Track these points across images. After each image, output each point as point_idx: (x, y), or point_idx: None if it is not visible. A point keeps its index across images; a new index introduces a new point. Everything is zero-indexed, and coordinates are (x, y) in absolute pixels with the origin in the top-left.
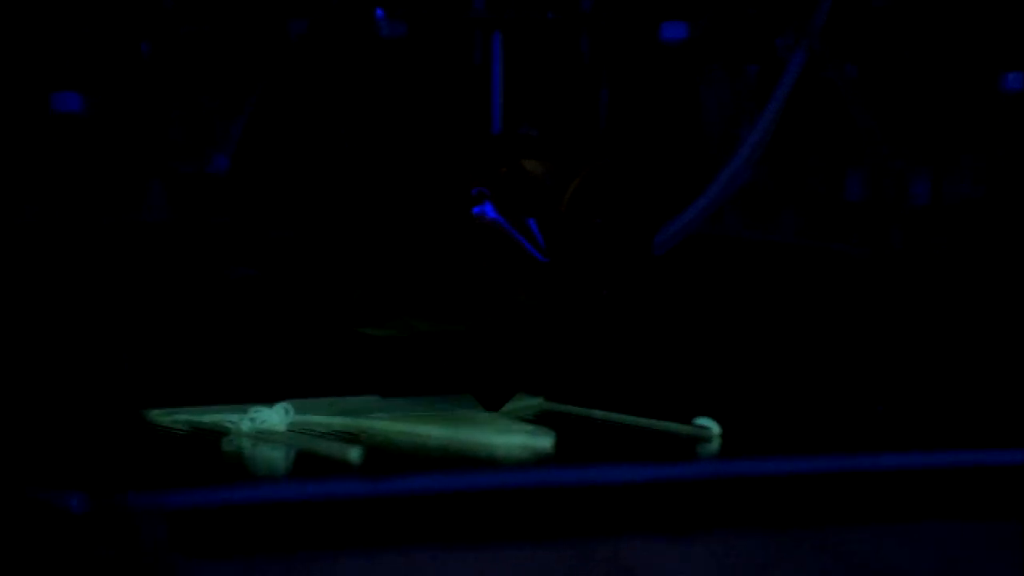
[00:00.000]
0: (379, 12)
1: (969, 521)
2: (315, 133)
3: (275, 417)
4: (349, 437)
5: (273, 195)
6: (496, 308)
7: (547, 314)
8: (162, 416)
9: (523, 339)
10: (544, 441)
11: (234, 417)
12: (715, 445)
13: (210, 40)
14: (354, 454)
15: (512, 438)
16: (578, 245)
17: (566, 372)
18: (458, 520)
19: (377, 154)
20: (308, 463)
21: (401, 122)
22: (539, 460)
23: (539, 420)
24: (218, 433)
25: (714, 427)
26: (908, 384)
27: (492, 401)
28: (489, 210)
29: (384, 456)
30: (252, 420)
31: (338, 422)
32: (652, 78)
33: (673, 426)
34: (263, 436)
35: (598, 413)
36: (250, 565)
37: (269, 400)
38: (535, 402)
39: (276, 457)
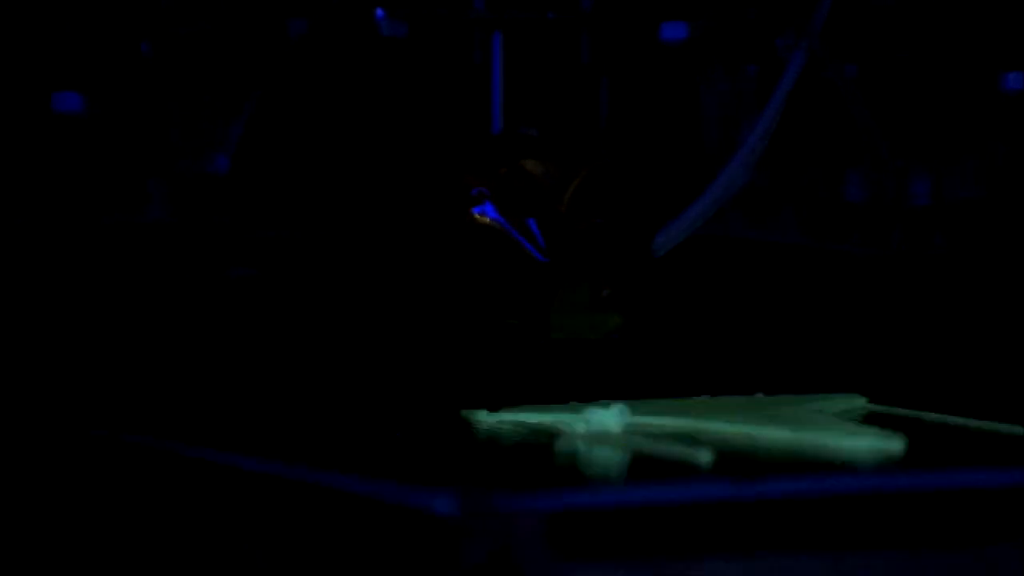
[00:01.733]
0: (379, 12)
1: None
2: (315, 133)
3: (611, 419)
4: (689, 440)
5: (273, 195)
6: (497, 308)
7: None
8: (487, 418)
9: (525, 338)
10: (895, 444)
11: (566, 418)
12: None
13: (210, 40)
14: (704, 457)
15: (862, 440)
16: (578, 245)
17: (884, 370)
18: (818, 525)
19: (377, 154)
20: (656, 466)
21: (401, 122)
22: (893, 464)
23: (868, 422)
24: (550, 435)
25: None
26: (908, 384)
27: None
28: (489, 210)
29: (734, 459)
30: (587, 422)
31: (673, 424)
32: (652, 78)
33: (1009, 428)
34: (600, 438)
35: (931, 416)
36: (620, 567)
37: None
38: (859, 403)
39: (618, 460)
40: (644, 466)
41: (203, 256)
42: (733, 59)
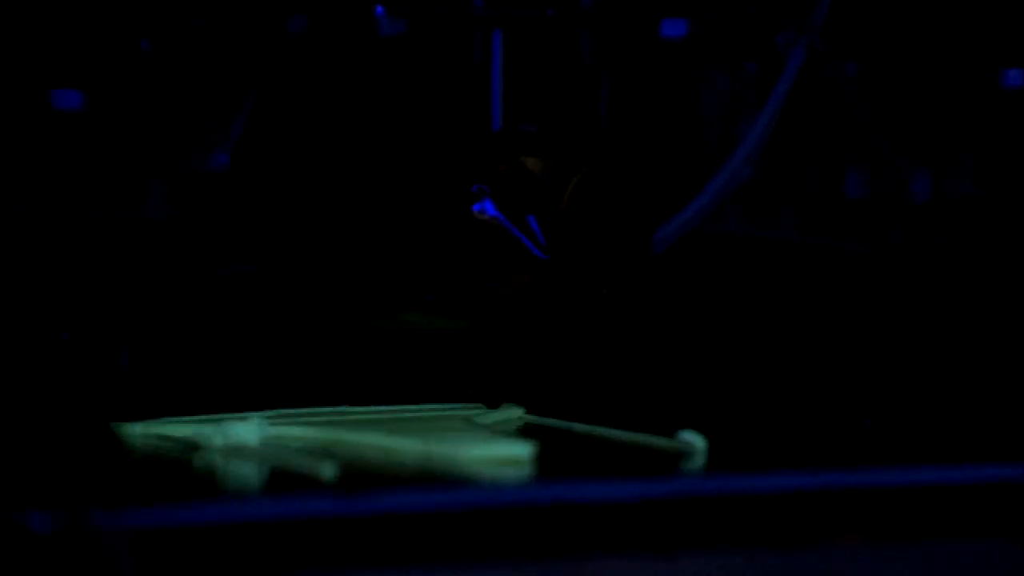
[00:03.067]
0: (379, 9)
1: (964, 539)
2: (315, 130)
3: (249, 431)
4: (323, 451)
5: (273, 192)
6: (497, 305)
7: (547, 312)
8: (134, 429)
9: (523, 337)
10: (522, 452)
11: (207, 431)
12: (699, 461)
13: (210, 37)
14: (327, 470)
15: (489, 450)
16: (578, 242)
17: (548, 383)
18: (433, 540)
19: (377, 151)
20: (282, 479)
21: (401, 119)
22: (517, 475)
23: (520, 433)
24: (191, 447)
25: (698, 442)
26: (908, 383)
27: (492, 397)
28: (489, 207)
29: (358, 472)
30: (225, 434)
31: (313, 435)
32: (652, 75)
33: (656, 440)
34: (236, 451)
35: (579, 427)
36: None
37: (262, 403)
38: (516, 414)
39: (248, 473)
40: (270, 481)
41: (202, 253)
42: (733, 56)
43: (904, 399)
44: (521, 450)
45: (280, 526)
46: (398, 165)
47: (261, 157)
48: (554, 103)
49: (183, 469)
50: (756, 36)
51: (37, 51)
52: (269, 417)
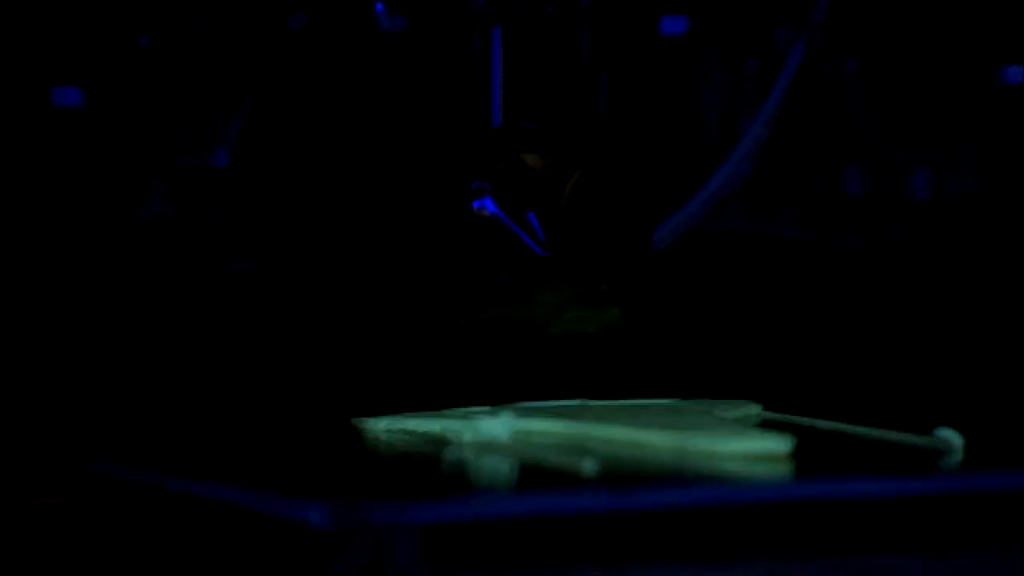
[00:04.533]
0: (379, 6)
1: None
2: (315, 127)
3: (499, 426)
4: (576, 447)
5: (273, 189)
6: (497, 301)
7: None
8: (378, 424)
9: (524, 331)
10: (782, 446)
11: (455, 426)
12: (957, 458)
13: (210, 35)
14: (588, 466)
15: (749, 443)
16: (578, 239)
17: (776, 379)
18: (699, 536)
19: (377, 148)
20: (540, 476)
21: (401, 116)
22: (779, 469)
23: (762, 427)
24: (439, 443)
25: (957, 440)
26: (908, 379)
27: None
28: (489, 204)
29: (617, 468)
30: (476, 430)
31: (561, 430)
32: (652, 72)
33: (909, 437)
34: (488, 447)
35: (823, 423)
36: None
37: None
38: (755, 410)
39: (505, 469)
40: (528, 476)
41: (202, 250)
42: (733, 53)
43: (905, 396)
44: (781, 444)
45: (547, 522)
46: (398, 162)
47: (261, 154)
48: (554, 100)
49: (435, 465)
50: (756, 33)
51: (38, 48)
52: (513, 411)
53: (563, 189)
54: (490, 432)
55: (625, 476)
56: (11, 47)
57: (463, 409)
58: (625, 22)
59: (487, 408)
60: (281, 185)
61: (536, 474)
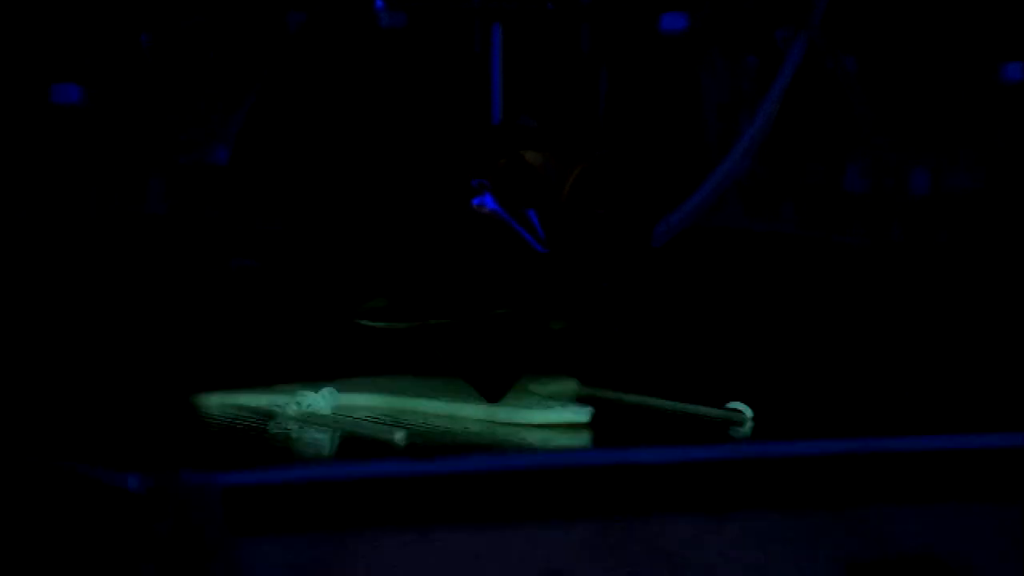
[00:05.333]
0: (379, 3)
1: (989, 502)
2: (314, 124)
3: (321, 400)
4: (392, 420)
5: (273, 187)
6: (495, 299)
7: (546, 304)
8: (210, 399)
9: (521, 330)
10: (582, 415)
11: (281, 400)
12: (747, 428)
13: (210, 32)
14: (399, 436)
15: (551, 414)
16: (578, 236)
17: (598, 357)
18: (498, 500)
19: (377, 145)
20: (354, 445)
21: (401, 113)
22: (577, 438)
23: (578, 401)
24: (265, 416)
25: (747, 410)
26: (908, 376)
27: (491, 392)
28: (489, 201)
29: (427, 438)
30: (299, 404)
31: (380, 404)
32: (652, 69)
33: (705, 410)
34: (310, 419)
35: (632, 397)
36: (300, 542)
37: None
38: (571, 385)
39: (323, 439)
40: (342, 446)
41: (203, 248)
42: (733, 50)
43: (905, 393)
44: (581, 414)
45: (355, 486)
46: (398, 159)
47: (261, 152)
48: (554, 97)
49: (259, 436)
50: (755, 30)
51: (37, 45)
52: (336, 386)
53: (563, 186)
54: (313, 405)
55: (433, 445)
56: (10, 44)
57: (293, 385)
58: (625, 19)
59: (314, 384)
60: (281, 183)
61: (350, 444)
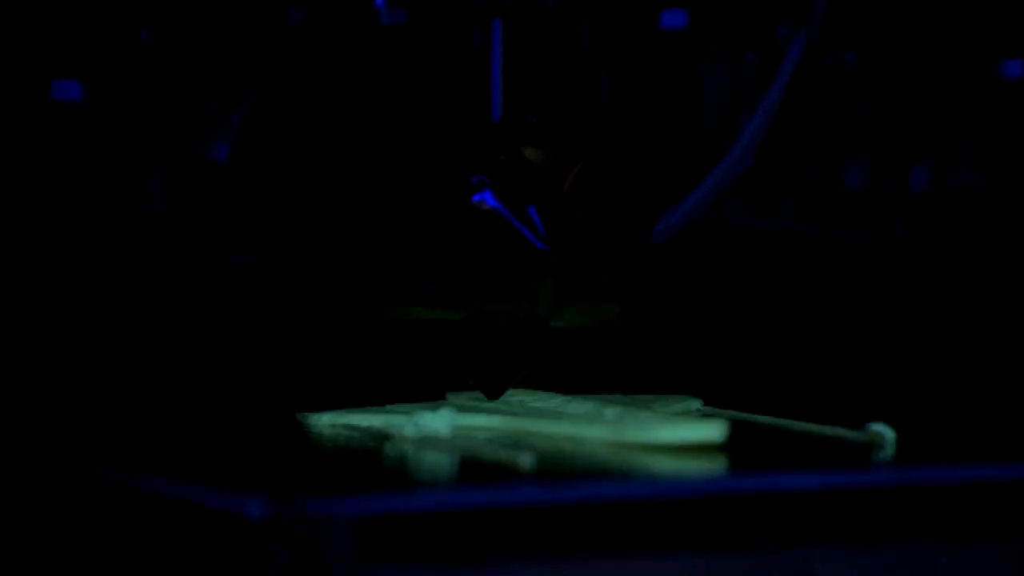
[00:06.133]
0: (378, 0)
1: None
2: (315, 121)
3: (439, 421)
4: (515, 442)
5: (273, 184)
6: (497, 296)
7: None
8: (322, 419)
9: (524, 327)
10: (716, 432)
11: (397, 421)
12: (890, 451)
13: (210, 28)
14: (525, 460)
15: (681, 432)
16: (578, 233)
17: (715, 374)
18: (634, 528)
19: (376, 142)
20: (478, 470)
21: (400, 110)
22: (711, 464)
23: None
24: (381, 438)
25: (889, 434)
26: (908, 375)
27: (492, 389)
28: (489, 198)
29: (555, 462)
30: (417, 425)
31: (500, 425)
32: (652, 66)
33: (843, 432)
34: (427, 441)
35: (762, 418)
36: (430, 571)
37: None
38: (694, 404)
39: (444, 463)
40: (465, 470)
41: (202, 245)
42: (733, 47)
43: (905, 391)
44: (714, 432)
45: (484, 515)
46: (398, 156)
47: (261, 149)
48: (554, 94)
49: (377, 459)
50: (755, 27)
51: (36, 41)
52: (454, 407)
53: (563, 183)
54: (430, 427)
55: (560, 470)
56: (9, 40)
57: (406, 405)
58: (625, 16)
59: (429, 404)
60: (281, 180)
61: (473, 468)
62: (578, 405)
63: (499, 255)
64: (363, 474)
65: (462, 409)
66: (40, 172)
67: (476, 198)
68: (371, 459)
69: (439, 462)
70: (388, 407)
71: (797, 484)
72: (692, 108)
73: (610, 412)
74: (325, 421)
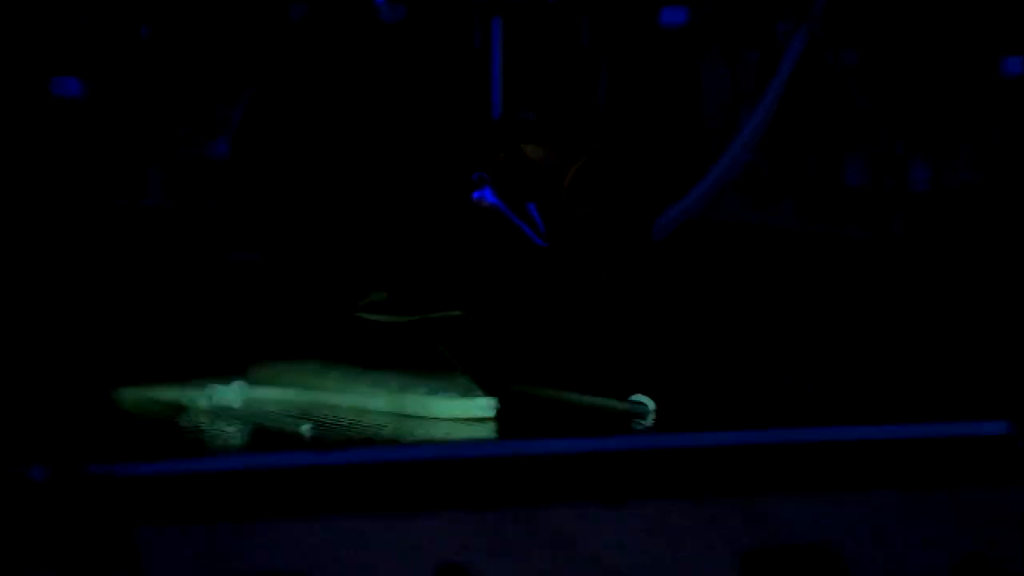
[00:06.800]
0: None
1: (898, 490)
2: (315, 118)
3: (231, 394)
4: (301, 412)
5: (273, 180)
6: (495, 292)
7: (545, 298)
8: (124, 393)
9: (520, 323)
10: (487, 408)
11: (192, 394)
12: (649, 420)
13: (211, 25)
14: (305, 428)
15: (456, 406)
16: (578, 229)
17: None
18: (397, 491)
19: (377, 139)
20: (262, 437)
21: (401, 107)
22: (480, 430)
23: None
24: (177, 409)
25: (649, 403)
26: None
27: (492, 385)
28: (489, 195)
29: (333, 430)
30: (209, 397)
31: (291, 397)
32: (652, 63)
33: (610, 402)
34: (220, 412)
35: (540, 391)
36: (201, 531)
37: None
38: (464, 379)
39: (231, 432)
40: (256, 437)
41: (203, 240)
42: (733, 44)
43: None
44: (486, 407)
45: (258, 476)
46: (398, 153)
47: (261, 145)
48: (554, 91)
49: (170, 429)
50: (756, 24)
51: (37, 38)
52: (249, 380)
53: (563, 180)
54: (224, 399)
55: (338, 438)
56: (11, 37)
57: (205, 379)
58: (625, 13)
59: (226, 378)
60: (281, 176)
61: (259, 436)
62: (367, 378)
63: (499, 251)
64: (151, 442)
65: (257, 382)
66: (41, 168)
67: (476, 195)
68: (164, 429)
69: (225, 431)
70: (189, 381)
71: (549, 448)
72: (692, 105)
73: (392, 384)
74: (129, 394)
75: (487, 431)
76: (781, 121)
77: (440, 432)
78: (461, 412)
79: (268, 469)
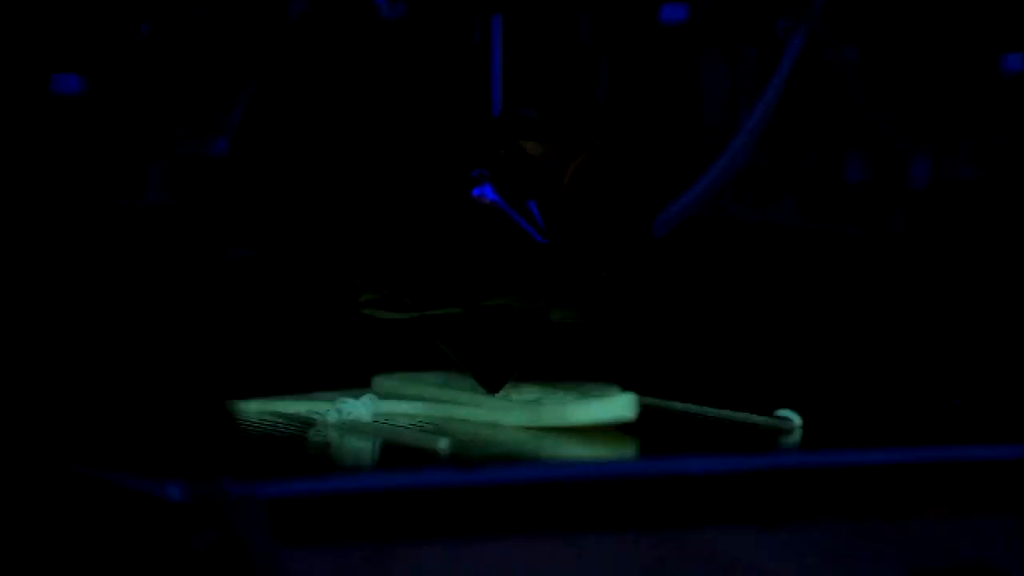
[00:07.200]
0: None
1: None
2: (315, 115)
3: (361, 407)
4: (435, 427)
5: (273, 179)
6: (495, 289)
7: (548, 296)
8: (247, 406)
9: (524, 321)
10: (628, 409)
11: (320, 407)
12: (796, 436)
13: (209, 21)
14: (443, 444)
15: (595, 409)
16: (578, 227)
17: (638, 363)
18: (546, 510)
19: (376, 137)
20: (397, 454)
21: (400, 104)
22: (624, 448)
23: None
24: (305, 424)
25: (795, 419)
26: (908, 367)
27: (492, 382)
28: (488, 192)
29: (471, 446)
30: (339, 411)
31: (421, 412)
32: (652, 59)
33: (754, 418)
34: (350, 427)
35: (678, 405)
36: (343, 553)
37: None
38: (613, 390)
39: (364, 447)
40: (384, 455)
41: (202, 239)
42: (733, 41)
43: (905, 384)
44: (626, 408)
45: (399, 496)
46: (398, 150)
47: (261, 143)
48: (554, 87)
49: (299, 444)
50: (756, 21)
51: (36, 34)
52: (376, 393)
53: (563, 177)
54: (353, 413)
55: (476, 454)
56: (9, 33)
57: (332, 392)
58: (625, 9)
59: (353, 391)
60: (281, 174)
61: (391, 453)
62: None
63: (499, 248)
64: (282, 458)
65: (385, 396)
66: (38, 166)
67: (476, 192)
68: (291, 444)
69: (358, 447)
70: (313, 394)
71: (702, 467)
72: (692, 102)
73: (526, 396)
74: (252, 407)
75: (629, 449)
76: (781, 118)
77: (581, 446)
78: (602, 415)
79: (410, 488)
